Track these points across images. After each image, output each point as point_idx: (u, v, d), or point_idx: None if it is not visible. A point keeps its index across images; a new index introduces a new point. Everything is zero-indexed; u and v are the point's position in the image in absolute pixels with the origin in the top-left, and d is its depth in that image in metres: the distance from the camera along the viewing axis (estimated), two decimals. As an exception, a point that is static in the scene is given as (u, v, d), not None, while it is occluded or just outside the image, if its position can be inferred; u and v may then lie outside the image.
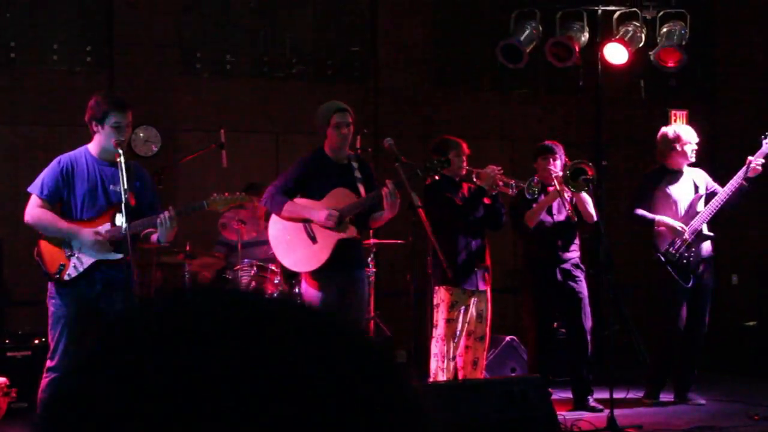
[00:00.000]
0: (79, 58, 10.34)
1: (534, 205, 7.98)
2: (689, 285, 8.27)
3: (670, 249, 8.28)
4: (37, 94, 9.85)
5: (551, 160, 8.01)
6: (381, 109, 10.37)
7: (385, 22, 11.02)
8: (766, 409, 8.15)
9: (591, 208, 7.91)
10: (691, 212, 8.32)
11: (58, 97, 9.78)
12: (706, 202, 8.33)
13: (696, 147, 8.40)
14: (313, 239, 6.82)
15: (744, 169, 8.15)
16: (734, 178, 8.23)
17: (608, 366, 7.70)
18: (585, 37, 9.34)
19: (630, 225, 8.63)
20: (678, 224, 8.24)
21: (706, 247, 8.37)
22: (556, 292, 8.10)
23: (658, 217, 8.30)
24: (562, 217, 8.08)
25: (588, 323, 8.18)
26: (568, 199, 7.93)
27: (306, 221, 6.84)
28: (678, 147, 8.39)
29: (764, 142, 8.19)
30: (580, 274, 8.19)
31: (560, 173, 7.88)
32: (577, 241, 8.22)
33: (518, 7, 9.46)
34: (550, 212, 8.07)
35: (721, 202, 8.26)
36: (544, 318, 8.23)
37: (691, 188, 8.40)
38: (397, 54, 10.98)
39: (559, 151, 8.10)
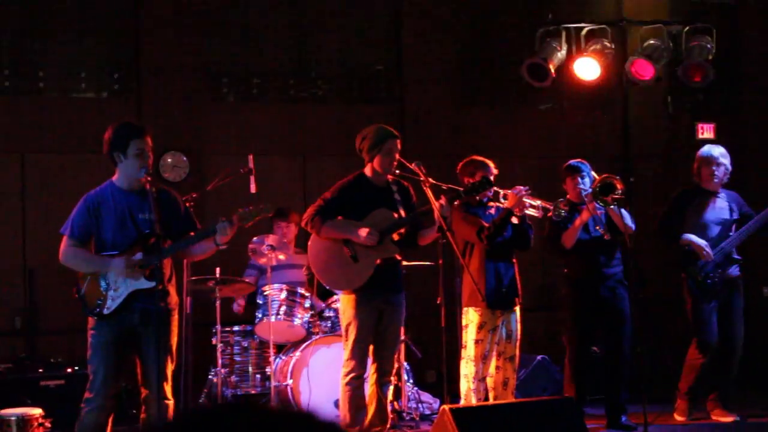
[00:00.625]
0: (107, 85, 10.44)
1: (570, 226, 7.93)
2: (711, 305, 8.23)
3: (696, 268, 8.25)
4: (65, 121, 9.94)
5: (579, 178, 7.98)
6: (407, 129, 10.38)
7: (410, 42, 11.04)
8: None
9: (627, 220, 7.84)
10: (723, 234, 8.27)
11: (86, 124, 9.85)
12: (740, 226, 8.29)
13: (717, 169, 8.32)
14: (355, 259, 6.85)
15: None
16: None
17: (641, 383, 7.66)
18: (610, 53, 9.35)
19: (658, 239, 8.56)
20: (703, 243, 8.19)
21: (733, 269, 8.32)
22: (599, 310, 7.99)
23: (685, 235, 8.26)
24: (599, 235, 8.00)
25: (628, 343, 8.09)
26: (601, 215, 7.89)
27: (347, 241, 6.86)
28: (702, 168, 8.38)
29: None
30: (624, 293, 8.06)
31: (590, 191, 7.84)
32: (618, 255, 8.12)
33: (543, 25, 9.46)
34: (586, 229, 7.98)
35: (754, 228, 8.22)
36: (585, 337, 8.14)
37: (725, 210, 8.34)
38: (422, 74, 11.00)
39: (586, 168, 8.06)
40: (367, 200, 6.95)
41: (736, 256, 8.34)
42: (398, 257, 7.04)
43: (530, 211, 7.56)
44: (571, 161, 8.16)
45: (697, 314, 8.31)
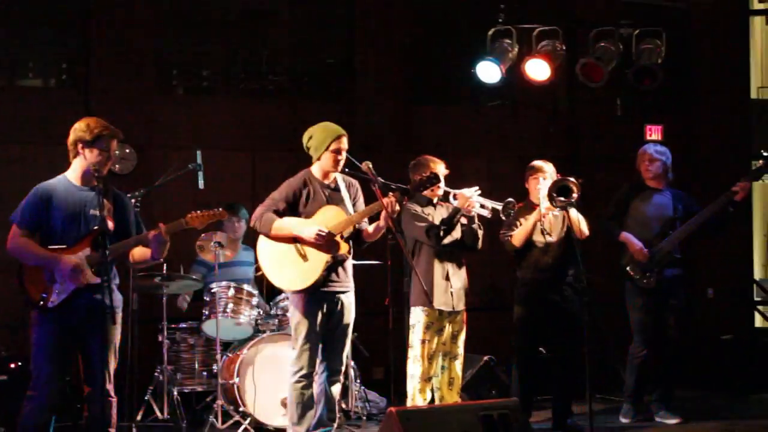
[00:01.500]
0: (54, 76, 10.30)
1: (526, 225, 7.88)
2: (647, 303, 8.28)
3: (633, 267, 8.30)
4: (11, 111, 9.76)
5: (541, 179, 7.93)
6: (357, 126, 10.34)
7: (362, 39, 10.99)
8: (743, 425, 8.20)
9: (582, 225, 7.83)
10: (663, 232, 8.33)
11: (32, 114, 9.70)
12: (683, 224, 8.33)
13: (651, 165, 8.39)
14: (305, 258, 6.80)
15: (726, 195, 8.17)
16: (714, 202, 8.24)
17: (586, 384, 7.69)
18: (561, 54, 9.38)
19: (599, 233, 8.56)
20: (638, 245, 8.23)
21: (672, 269, 8.36)
22: (549, 312, 7.95)
23: (623, 234, 8.32)
24: (554, 238, 7.97)
25: (578, 346, 8.02)
26: (552, 217, 7.88)
27: (296, 240, 6.81)
28: (640, 164, 8.47)
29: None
30: (575, 295, 7.99)
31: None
32: (572, 258, 8.08)
33: (495, 25, 9.46)
34: (543, 231, 7.94)
35: (694, 226, 8.27)
36: (534, 338, 8.11)
37: (667, 208, 8.40)
38: (373, 71, 10.95)
39: (549, 169, 8.01)
40: (315, 198, 6.92)
41: (676, 255, 8.38)
42: (348, 255, 7.01)
43: (481, 211, 7.55)
44: (535, 161, 8.12)
45: (634, 312, 8.39)
